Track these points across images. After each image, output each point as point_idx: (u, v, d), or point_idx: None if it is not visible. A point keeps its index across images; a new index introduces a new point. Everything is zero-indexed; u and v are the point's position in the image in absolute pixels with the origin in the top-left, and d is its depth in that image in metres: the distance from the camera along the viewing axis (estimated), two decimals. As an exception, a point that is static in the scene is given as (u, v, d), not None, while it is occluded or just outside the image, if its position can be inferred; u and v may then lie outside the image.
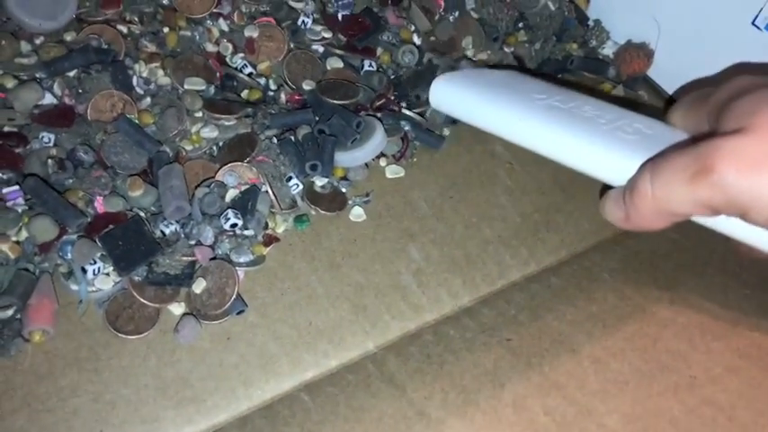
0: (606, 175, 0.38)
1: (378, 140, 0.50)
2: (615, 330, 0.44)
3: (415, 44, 0.57)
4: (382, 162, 0.52)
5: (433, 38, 0.58)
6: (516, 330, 0.45)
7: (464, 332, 0.45)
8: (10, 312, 0.41)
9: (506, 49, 0.60)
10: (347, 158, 0.50)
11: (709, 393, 0.43)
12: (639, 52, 0.61)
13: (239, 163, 0.48)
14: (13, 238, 0.42)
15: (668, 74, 0.61)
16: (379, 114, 0.52)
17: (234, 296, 0.44)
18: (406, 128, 0.53)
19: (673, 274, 0.48)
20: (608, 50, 0.63)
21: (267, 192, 0.47)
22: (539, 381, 0.42)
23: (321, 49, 0.55)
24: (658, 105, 0.62)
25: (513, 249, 0.50)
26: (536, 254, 0.50)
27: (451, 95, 0.47)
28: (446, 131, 0.54)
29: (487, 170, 0.54)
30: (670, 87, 0.62)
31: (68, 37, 0.49)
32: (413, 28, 0.58)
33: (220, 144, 0.49)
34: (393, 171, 0.52)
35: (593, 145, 0.39)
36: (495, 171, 0.54)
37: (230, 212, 0.45)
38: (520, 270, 0.49)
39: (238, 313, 0.44)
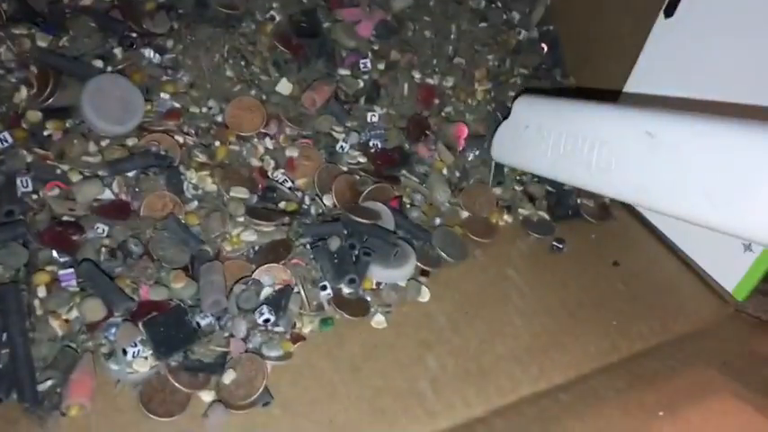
0: None
1: (410, 268, 0.55)
2: (622, 445, 0.47)
3: (444, 175, 0.64)
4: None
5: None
6: (527, 441, 0.47)
7: (478, 440, 0.47)
8: (49, 384, 0.43)
9: (518, 188, 0.66)
10: (382, 276, 0.55)
11: None
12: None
13: (275, 264, 0.51)
14: (64, 317, 0.45)
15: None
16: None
17: (261, 388, 0.46)
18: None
19: (674, 396, 0.51)
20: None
21: (299, 293, 0.51)
22: (550, 491, 0.44)
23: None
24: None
25: (525, 366, 0.53)
26: (546, 372, 0.53)
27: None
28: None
29: (500, 290, 0.58)
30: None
31: (130, 142, 0.54)
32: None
33: (257, 248, 0.53)
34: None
35: None
36: (507, 292, 0.58)
37: (265, 308, 0.48)
38: (531, 386, 0.52)
39: (264, 405, 0.46)
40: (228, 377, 0.46)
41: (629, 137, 0.50)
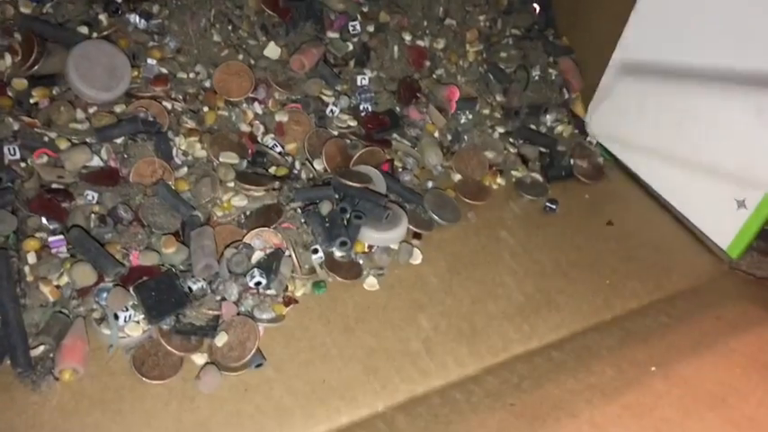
0: None
1: (401, 230, 0.55)
2: (613, 399, 0.47)
3: (436, 138, 0.64)
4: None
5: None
6: (519, 396, 0.47)
7: (469, 396, 0.47)
8: (41, 349, 0.43)
9: (511, 150, 0.66)
10: (373, 239, 0.54)
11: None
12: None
13: (266, 228, 0.51)
14: (55, 283, 0.45)
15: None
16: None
17: (254, 350, 0.47)
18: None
19: (666, 352, 0.51)
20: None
21: (290, 256, 0.51)
22: (541, 444, 0.44)
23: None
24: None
25: (516, 325, 0.53)
26: (538, 331, 0.53)
27: None
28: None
29: (493, 252, 0.58)
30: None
31: (118, 108, 0.54)
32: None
33: (248, 213, 0.53)
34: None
35: None
36: (500, 254, 0.58)
37: (256, 271, 0.48)
38: (523, 344, 0.52)
39: (257, 366, 0.47)
40: (221, 340, 0.47)
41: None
